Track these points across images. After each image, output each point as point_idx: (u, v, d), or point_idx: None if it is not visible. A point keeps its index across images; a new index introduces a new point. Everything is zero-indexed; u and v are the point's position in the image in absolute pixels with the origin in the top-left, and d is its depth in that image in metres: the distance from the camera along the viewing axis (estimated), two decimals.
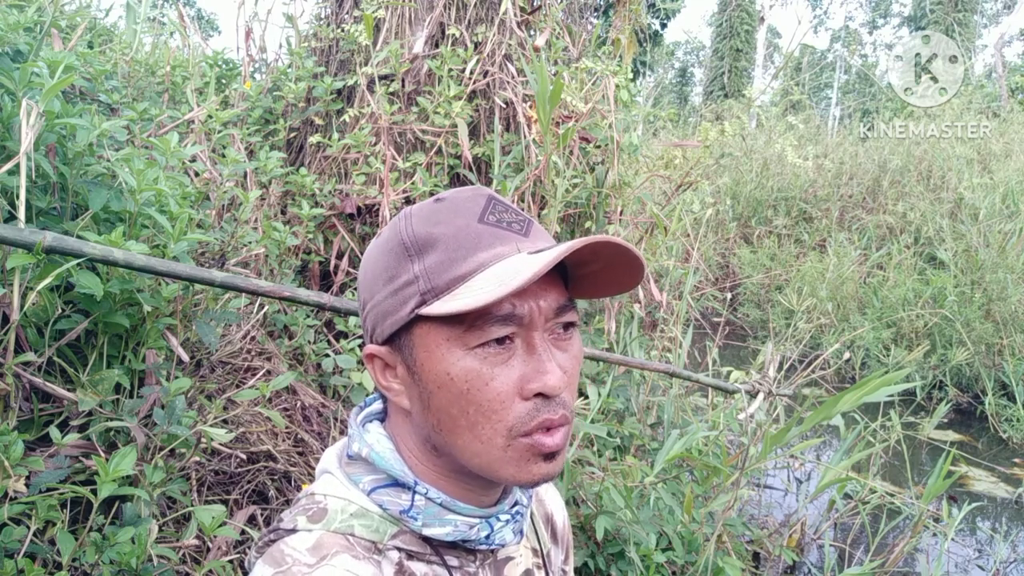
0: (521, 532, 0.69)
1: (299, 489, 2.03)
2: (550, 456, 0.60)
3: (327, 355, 2.39)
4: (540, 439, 0.59)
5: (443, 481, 0.64)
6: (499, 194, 0.65)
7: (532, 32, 3.44)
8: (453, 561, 0.64)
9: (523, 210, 2.85)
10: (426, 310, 0.58)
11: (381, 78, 3.06)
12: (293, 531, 0.61)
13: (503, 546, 0.67)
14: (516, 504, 0.69)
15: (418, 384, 0.61)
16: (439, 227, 0.60)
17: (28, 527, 1.37)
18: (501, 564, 0.69)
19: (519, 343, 0.59)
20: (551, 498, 0.86)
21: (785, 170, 10.06)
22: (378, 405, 0.72)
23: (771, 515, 3.60)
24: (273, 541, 0.61)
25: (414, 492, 0.63)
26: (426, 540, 0.63)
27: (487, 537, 0.65)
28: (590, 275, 0.64)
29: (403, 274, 0.60)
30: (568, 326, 0.62)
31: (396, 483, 0.63)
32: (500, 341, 0.58)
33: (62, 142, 1.64)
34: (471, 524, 0.64)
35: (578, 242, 0.56)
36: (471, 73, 3.06)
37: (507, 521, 0.66)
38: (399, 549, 0.62)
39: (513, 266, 0.57)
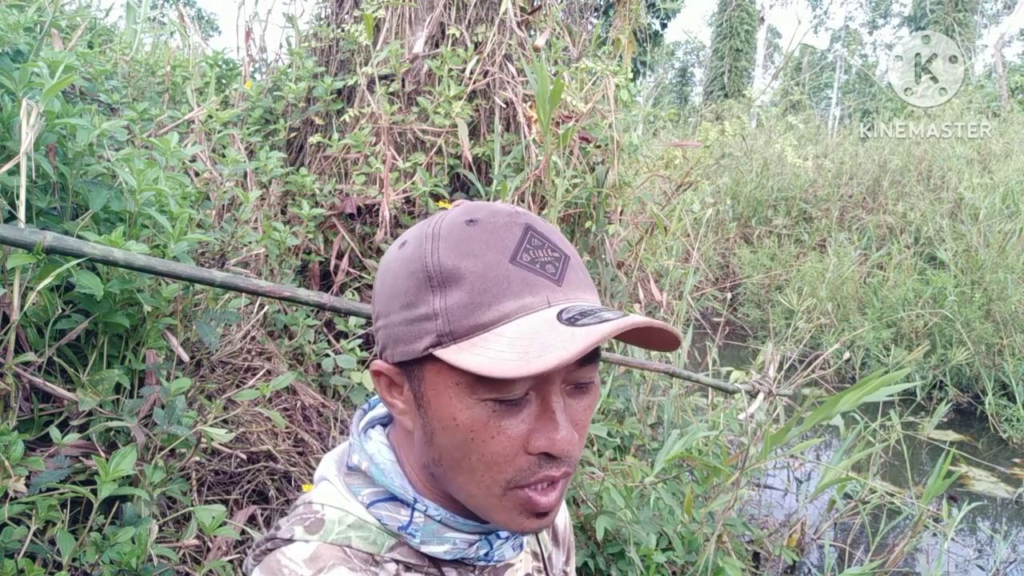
0: (521, 546, 0.68)
1: (299, 489, 2.03)
2: (543, 515, 0.59)
3: (327, 355, 2.39)
4: (535, 498, 0.57)
5: (442, 499, 0.64)
6: (537, 224, 0.57)
7: (532, 32, 3.44)
8: (451, 572, 0.64)
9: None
10: (440, 352, 0.55)
11: (381, 78, 3.06)
12: (290, 541, 0.60)
13: (502, 561, 0.67)
14: None
15: (423, 417, 0.59)
16: (467, 260, 0.55)
17: (28, 527, 1.37)
18: (500, 570, 0.69)
19: (533, 395, 0.56)
20: None
21: (785, 170, 10.06)
22: (382, 409, 0.71)
23: (771, 515, 3.60)
24: (270, 550, 0.61)
25: (413, 509, 0.62)
26: (423, 553, 0.63)
27: (486, 555, 0.64)
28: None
29: (422, 305, 0.56)
30: (588, 380, 0.59)
31: (395, 498, 0.63)
32: (514, 397, 0.55)
33: (62, 142, 1.64)
34: (470, 541, 0.63)
35: (616, 327, 0.51)
36: (471, 73, 3.06)
37: (507, 538, 0.66)
38: (396, 561, 0.61)
39: (537, 328, 0.53)
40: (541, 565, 0.75)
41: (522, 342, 0.52)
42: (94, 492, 1.39)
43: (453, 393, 0.56)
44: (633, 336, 0.59)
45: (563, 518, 0.86)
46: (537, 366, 0.50)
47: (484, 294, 0.54)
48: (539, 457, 0.56)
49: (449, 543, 0.62)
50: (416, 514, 0.62)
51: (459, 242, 0.56)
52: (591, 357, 0.58)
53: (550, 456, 0.56)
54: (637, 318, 0.53)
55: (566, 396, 0.58)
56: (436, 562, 0.63)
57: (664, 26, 18.56)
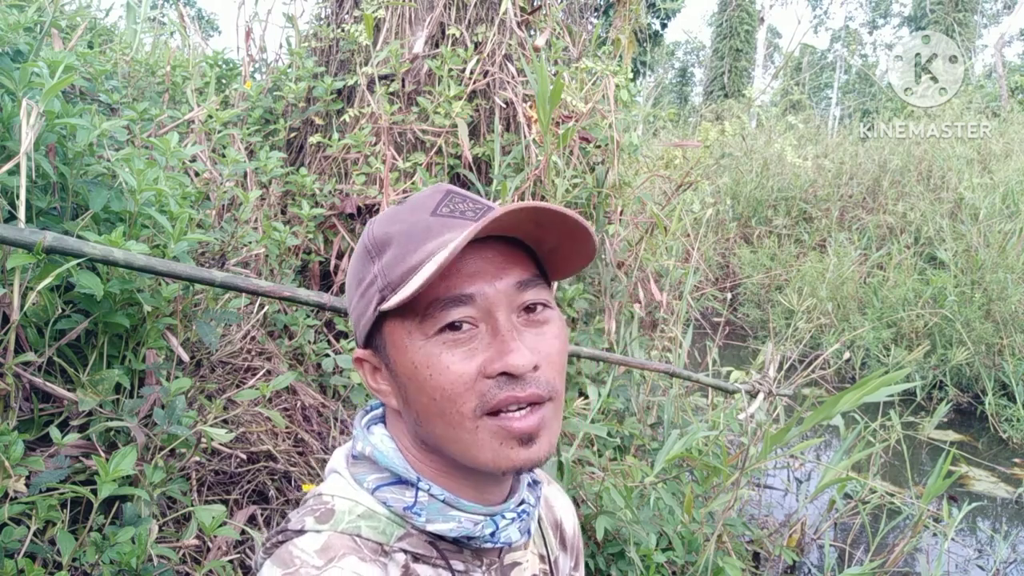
0: (528, 532, 0.68)
1: (299, 489, 2.03)
2: (527, 440, 0.59)
3: (327, 355, 2.39)
4: (507, 420, 0.59)
5: (445, 479, 0.65)
6: (459, 189, 0.65)
7: (532, 32, 3.44)
8: (459, 565, 0.64)
9: None
10: (384, 305, 0.60)
11: (381, 78, 3.06)
12: (301, 532, 0.61)
13: (509, 545, 0.66)
14: (523, 503, 0.69)
15: (396, 382, 0.63)
16: (395, 226, 0.62)
17: (28, 527, 1.37)
18: (507, 569, 0.69)
19: (483, 327, 0.60)
20: (561, 505, 0.86)
21: (785, 170, 10.05)
22: (381, 409, 0.72)
23: (771, 515, 3.60)
24: (282, 542, 0.62)
25: (417, 488, 0.63)
26: (432, 544, 0.63)
27: (492, 535, 0.64)
28: (551, 252, 0.64)
29: (367, 276, 0.62)
30: (537, 306, 0.62)
31: (400, 480, 0.64)
32: (457, 326, 0.59)
33: (62, 142, 1.64)
34: (475, 521, 0.64)
35: (498, 211, 0.56)
36: (471, 73, 3.06)
37: (512, 519, 0.66)
38: (405, 551, 0.62)
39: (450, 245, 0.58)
40: (548, 568, 0.75)
41: (439, 259, 0.57)
42: (94, 492, 1.39)
43: (408, 341, 0.60)
44: (559, 249, 0.63)
45: (572, 523, 0.86)
46: (446, 256, 0.54)
47: (409, 243, 0.60)
48: (499, 379, 0.59)
49: (454, 521, 0.63)
50: (420, 493, 0.63)
51: (389, 216, 0.65)
52: (531, 282, 0.61)
53: (510, 376, 0.58)
54: (519, 203, 0.57)
55: (522, 326, 0.61)
56: (443, 554, 0.64)
57: (664, 26, 18.57)
